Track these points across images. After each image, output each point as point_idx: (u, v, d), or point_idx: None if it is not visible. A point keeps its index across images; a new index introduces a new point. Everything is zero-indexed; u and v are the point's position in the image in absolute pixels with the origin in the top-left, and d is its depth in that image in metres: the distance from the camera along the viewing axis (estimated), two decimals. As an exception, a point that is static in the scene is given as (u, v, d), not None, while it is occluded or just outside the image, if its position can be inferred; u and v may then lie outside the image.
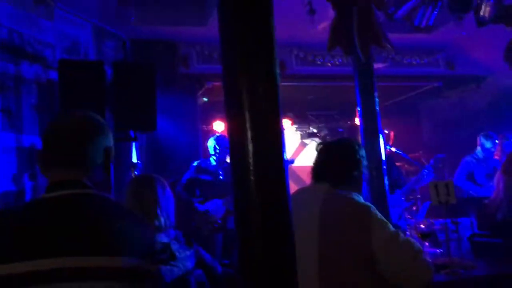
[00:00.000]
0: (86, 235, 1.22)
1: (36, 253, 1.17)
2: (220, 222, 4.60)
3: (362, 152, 2.10)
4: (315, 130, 8.21)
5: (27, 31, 3.92)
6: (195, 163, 4.82)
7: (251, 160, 1.22)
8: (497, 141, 5.10)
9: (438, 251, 2.63)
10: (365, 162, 2.10)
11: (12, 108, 3.74)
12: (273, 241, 1.20)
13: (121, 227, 1.27)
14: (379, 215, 1.89)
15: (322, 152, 2.12)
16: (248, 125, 1.23)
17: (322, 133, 8.14)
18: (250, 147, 1.22)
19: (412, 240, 1.90)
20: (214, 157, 4.81)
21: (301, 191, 2.09)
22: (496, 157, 5.17)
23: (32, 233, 1.21)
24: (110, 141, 1.39)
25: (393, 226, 1.89)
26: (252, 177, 1.21)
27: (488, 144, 5.07)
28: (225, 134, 6.35)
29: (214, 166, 4.80)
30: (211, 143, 4.88)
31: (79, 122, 1.36)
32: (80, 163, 1.31)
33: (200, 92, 6.26)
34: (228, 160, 4.79)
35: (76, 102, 3.19)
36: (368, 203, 1.93)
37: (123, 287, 1.20)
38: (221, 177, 4.78)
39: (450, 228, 3.75)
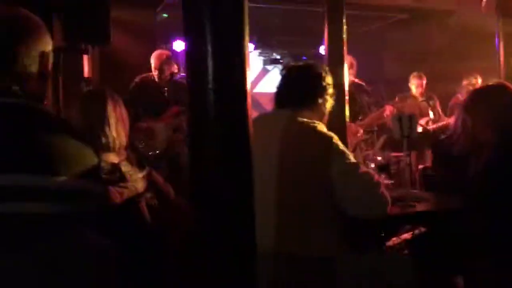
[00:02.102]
0: (16, 151, 1.08)
1: None
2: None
3: (329, 79, 2.00)
4: (278, 57, 8.03)
5: None
6: (136, 79, 4.41)
7: (210, 78, 1.09)
8: None
9: (390, 182, 2.64)
10: (331, 90, 2.00)
11: None
12: (230, 167, 1.11)
13: (58, 142, 1.13)
14: (341, 145, 1.83)
15: (286, 76, 2.01)
16: (208, 38, 1.09)
17: (285, 60, 7.97)
18: (210, 63, 1.08)
19: (372, 172, 1.87)
20: (156, 73, 4.41)
21: (262, 117, 1.99)
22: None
23: None
24: (47, 45, 1.21)
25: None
26: (210, 97, 1.09)
27: None
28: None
29: (156, 82, 4.43)
30: (153, 57, 4.44)
31: (8, 19, 1.16)
32: (10, 68, 1.14)
33: (160, 7, 5.88)
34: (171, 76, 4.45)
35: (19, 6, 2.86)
36: (331, 133, 1.86)
37: (58, 209, 1.09)
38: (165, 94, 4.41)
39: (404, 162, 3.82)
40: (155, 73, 4.42)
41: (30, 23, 1.19)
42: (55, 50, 1.36)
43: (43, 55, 1.20)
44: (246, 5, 1.12)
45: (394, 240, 3.80)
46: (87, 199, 1.19)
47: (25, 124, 1.13)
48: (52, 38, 1.27)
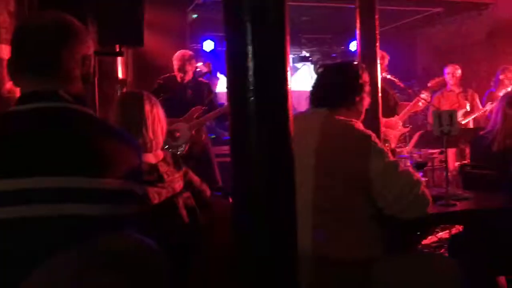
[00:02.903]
0: (64, 154, 1.10)
1: (6, 171, 1.06)
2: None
3: (366, 77, 1.97)
4: (307, 54, 7.98)
5: None
6: (159, 80, 4.40)
7: (251, 79, 1.08)
8: None
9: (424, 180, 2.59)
10: (367, 88, 1.97)
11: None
12: (272, 167, 1.10)
13: (103, 145, 1.15)
14: (379, 144, 1.80)
15: (323, 75, 1.99)
16: (249, 39, 1.08)
17: (315, 58, 7.92)
18: (251, 64, 1.08)
19: (412, 170, 1.83)
20: (179, 73, 4.39)
21: (299, 117, 1.97)
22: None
23: (6, 150, 1.08)
24: (89, 49, 1.24)
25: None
26: (252, 98, 1.08)
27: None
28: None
29: (179, 83, 4.41)
30: (175, 58, 4.42)
31: (52, 24, 1.19)
32: (55, 71, 1.16)
33: (190, 7, 5.93)
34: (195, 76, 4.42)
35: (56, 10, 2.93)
36: (369, 132, 1.83)
37: (104, 210, 1.11)
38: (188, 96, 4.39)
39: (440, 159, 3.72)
40: (178, 73, 4.39)
41: (73, 28, 1.22)
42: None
43: (85, 59, 1.23)
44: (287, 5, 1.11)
45: (431, 239, 3.74)
46: (130, 200, 1.21)
47: (71, 127, 1.15)
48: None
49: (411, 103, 4.63)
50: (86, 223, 1.10)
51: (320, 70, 2.01)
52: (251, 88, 1.08)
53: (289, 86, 1.11)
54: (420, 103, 4.55)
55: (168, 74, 4.46)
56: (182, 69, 4.35)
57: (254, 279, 1.12)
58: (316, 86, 1.97)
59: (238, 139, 1.14)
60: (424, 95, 4.57)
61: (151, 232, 1.22)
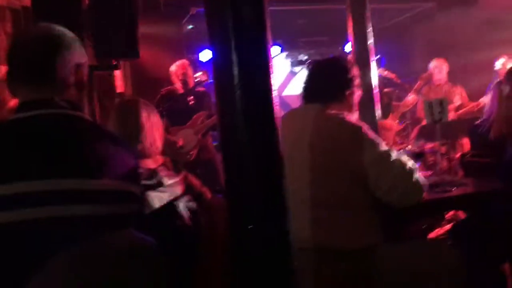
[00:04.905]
0: (64, 157, 1.15)
1: (9, 176, 1.10)
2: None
3: (355, 71, 2.01)
4: (305, 57, 8.02)
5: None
6: (162, 91, 4.48)
7: (236, 84, 1.13)
8: None
9: (428, 173, 2.61)
10: (357, 81, 2.01)
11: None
12: (261, 165, 1.14)
13: (99, 148, 1.20)
14: (371, 134, 1.84)
15: (313, 71, 2.03)
16: (233, 47, 1.13)
17: (313, 60, 7.94)
18: (236, 71, 1.13)
19: (406, 158, 1.86)
20: (179, 84, 4.47)
21: (292, 113, 2.02)
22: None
23: (4, 155, 1.13)
24: (81, 57, 1.29)
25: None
26: (237, 102, 1.13)
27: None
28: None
29: (180, 93, 4.48)
30: (173, 69, 4.51)
31: (45, 35, 1.25)
32: (50, 80, 1.22)
33: (185, 19, 6.00)
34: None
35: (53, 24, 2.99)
36: (360, 123, 1.87)
37: (104, 210, 1.15)
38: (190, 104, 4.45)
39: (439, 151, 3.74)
40: (178, 83, 4.46)
41: (65, 38, 1.27)
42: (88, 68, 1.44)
43: (78, 67, 1.28)
44: (266, 13, 1.16)
45: (437, 232, 3.74)
46: (129, 200, 1.25)
47: (69, 131, 1.20)
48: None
49: (401, 104, 4.69)
50: (87, 223, 1.14)
51: (310, 66, 2.06)
52: (237, 92, 1.13)
53: (272, 88, 1.16)
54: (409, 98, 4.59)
55: (168, 87, 4.54)
56: (183, 77, 4.43)
57: (249, 271, 1.16)
58: (307, 81, 2.01)
59: (226, 139, 1.18)
60: (411, 97, 4.62)
61: (153, 235, 1.25)
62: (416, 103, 5.13)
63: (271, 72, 1.15)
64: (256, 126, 1.14)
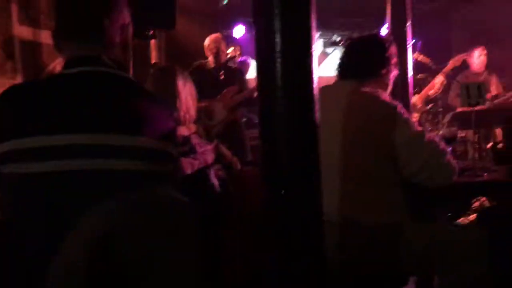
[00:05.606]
0: (105, 113, 1.20)
1: (56, 127, 1.16)
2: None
3: (393, 50, 2.00)
4: (339, 39, 7.92)
5: None
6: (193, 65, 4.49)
7: (278, 65, 1.14)
8: None
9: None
10: (394, 60, 2.00)
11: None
12: (298, 136, 1.15)
13: (141, 107, 1.24)
14: (405, 114, 1.84)
15: (350, 48, 2.03)
16: (277, 24, 1.14)
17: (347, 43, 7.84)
18: (278, 40, 1.14)
19: (438, 140, 1.85)
20: (211, 57, 4.45)
21: (327, 88, 2.02)
22: None
23: (52, 108, 1.19)
24: (126, 18, 1.33)
25: None
26: (278, 74, 1.14)
27: None
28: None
29: (212, 67, 4.47)
30: (207, 42, 4.49)
31: None
32: (97, 38, 1.26)
33: (221, -7, 6.00)
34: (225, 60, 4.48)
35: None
36: (395, 102, 1.86)
37: (142, 166, 1.19)
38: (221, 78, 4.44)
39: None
40: (210, 57, 4.45)
41: None
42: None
43: (123, 28, 1.32)
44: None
45: (462, 220, 3.72)
46: (166, 158, 1.29)
47: (112, 89, 1.24)
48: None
49: (427, 87, 4.60)
50: (125, 177, 1.19)
51: (347, 43, 2.05)
52: (279, 72, 1.15)
53: (314, 66, 1.17)
54: (434, 90, 4.49)
55: (199, 61, 4.54)
56: (216, 51, 4.42)
57: (281, 244, 1.19)
58: (343, 58, 2.01)
59: (265, 113, 1.20)
60: (438, 79, 4.52)
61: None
62: (449, 89, 5.04)
63: (313, 42, 1.16)
64: (295, 96, 1.16)
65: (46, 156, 1.13)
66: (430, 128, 4.70)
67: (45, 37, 3.73)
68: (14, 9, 3.52)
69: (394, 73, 2.01)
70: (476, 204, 3.37)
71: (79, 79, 1.22)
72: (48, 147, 1.14)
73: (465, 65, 5.18)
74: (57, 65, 2.48)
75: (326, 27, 7.78)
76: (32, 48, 3.70)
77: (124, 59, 1.36)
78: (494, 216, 2.47)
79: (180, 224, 1.18)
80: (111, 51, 1.28)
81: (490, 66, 5.19)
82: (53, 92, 1.21)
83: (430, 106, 4.80)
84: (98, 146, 1.16)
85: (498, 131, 4.16)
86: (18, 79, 3.47)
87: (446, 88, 5.10)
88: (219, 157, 2.22)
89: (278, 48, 1.14)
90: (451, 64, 4.78)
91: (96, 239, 1.06)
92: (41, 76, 3.42)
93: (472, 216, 3.74)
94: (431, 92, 4.68)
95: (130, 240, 1.10)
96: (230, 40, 6.28)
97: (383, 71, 1.97)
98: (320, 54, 8.24)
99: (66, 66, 1.25)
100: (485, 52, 5.10)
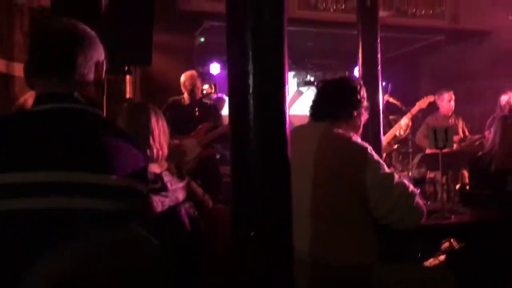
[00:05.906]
0: (75, 151, 1.18)
1: (25, 165, 1.13)
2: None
3: (364, 93, 2.05)
4: (312, 79, 8.11)
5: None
6: (169, 101, 4.53)
7: (250, 97, 1.16)
8: None
9: (427, 202, 2.64)
10: (365, 103, 2.05)
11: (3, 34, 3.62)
12: (270, 176, 1.16)
13: (111, 145, 1.23)
14: (375, 156, 1.87)
15: (322, 90, 2.07)
16: (250, 58, 1.17)
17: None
18: (251, 81, 1.16)
19: (407, 182, 1.89)
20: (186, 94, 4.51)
21: (299, 129, 2.05)
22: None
23: (22, 145, 1.16)
24: (101, 55, 1.33)
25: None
26: (251, 114, 1.16)
27: None
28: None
29: (187, 104, 4.52)
30: (183, 79, 4.54)
31: (68, 29, 1.28)
32: (70, 75, 1.25)
33: (198, 31, 6.09)
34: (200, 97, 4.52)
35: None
36: (365, 144, 1.90)
37: (111, 205, 1.17)
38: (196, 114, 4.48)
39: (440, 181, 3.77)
40: (186, 94, 4.49)
41: (87, 35, 1.31)
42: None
43: (98, 65, 1.32)
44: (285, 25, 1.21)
45: (431, 261, 3.75)
46: (135, 197, 1.27)
47: (84, 127, 1.23)
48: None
49: (393, 128, 4.73)
50: (92, 217, 1.17)
51: (319, 85, 2.10)
52: (251, 102, 1.17)
53: (286, 100, 1.20)
54: (399, 131, 4.62)
55: (174, 98, 4.56)
56: (191, 88, 4.45)
57: (251, 280, 1.18)
58: (316, 100, 2.05)
59: (238, 150, 1.21)
60: (403, 121, 4.66)
61: (155, 237, 1.27)
62: (417, 130, 5.19)
63: (285, 84, 1.19)
64: (267, 136, 1.18)
65: (13, 194, 1.11)
66: (400, 169, 4.80)
67: (19, 69, 3.70)
68: (-12, 41, 3.50)
69: (364, 116, 2.06)
70: (446, 245, 3.41)
71: (50, 116, 1.21)
72: (17, 184, 1.11)
73: (432, 107, 5.36)
74: (28, 97, 2.45)
75: (300, 67, 7.96)
76: (5, 80, 3.66)
77: (96, 95, 1.36)
78: (462, 257, 2.50)
79: (149, 266, 1.15)
80: (84, 88, 1.28)
81: (456, 110, 5.38)
82: (23, 129, 1.19)
83: (395, 146, 4.91)
84: (66, 184, 1.14)
85: (466, 173, 4.27)
86: (-12, 111, 3.41)
87: (414, 129, 5.26)
88: (190, 195, 2.20)
89: (251, 89, 1.17)
90: (418, 106, 4.94)
91: (62, 279, 1.03)
92: (12, 109, 3.37)
93: (442, 257, 3.79)
94: (398, 133, 4.80)
95: (97, 281, 1.07)
96: (206, 77, 6.35)
97: (355, 113, 2.02)
98: (295, 93, 8.38)
99: (37, 102, 1.24)
100: (453, 96, 5.30)
